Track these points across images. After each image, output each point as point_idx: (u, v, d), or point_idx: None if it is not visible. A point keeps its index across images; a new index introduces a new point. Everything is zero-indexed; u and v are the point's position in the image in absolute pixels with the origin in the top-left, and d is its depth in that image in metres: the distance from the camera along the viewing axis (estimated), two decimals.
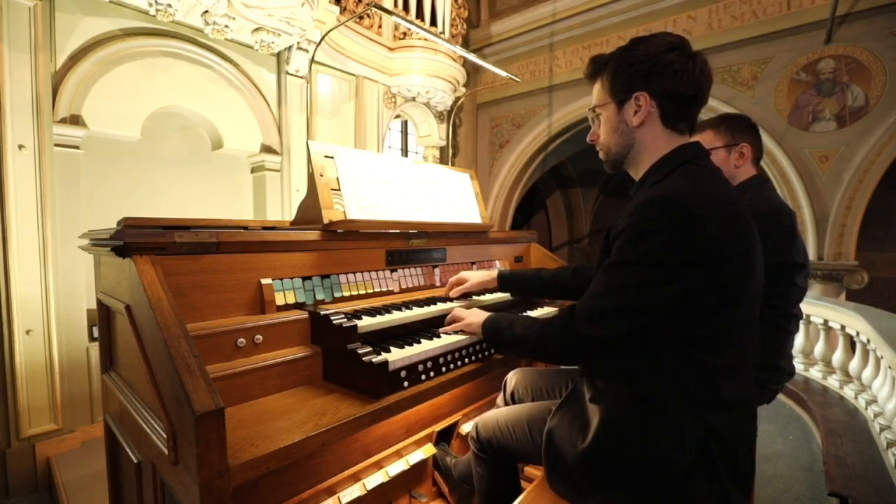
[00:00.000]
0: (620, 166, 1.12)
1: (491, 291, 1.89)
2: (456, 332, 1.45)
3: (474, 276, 1.77)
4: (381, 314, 1.43)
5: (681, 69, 0.97)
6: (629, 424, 0.94)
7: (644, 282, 0.89)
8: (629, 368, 0.95)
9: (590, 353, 1.01)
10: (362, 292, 1.59)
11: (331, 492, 1.32)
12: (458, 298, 1.76)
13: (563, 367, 1.57)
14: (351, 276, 1.57)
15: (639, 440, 0.92)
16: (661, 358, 0.91)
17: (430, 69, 5.33)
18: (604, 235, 1.04)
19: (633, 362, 0.95)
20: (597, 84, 1.12)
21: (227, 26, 3.35)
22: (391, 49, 5.20)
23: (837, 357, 3.54)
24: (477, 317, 1.38)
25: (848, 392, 3.34)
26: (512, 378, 1.60)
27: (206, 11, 3.22)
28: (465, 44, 6.83)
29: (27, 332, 2.72)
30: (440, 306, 1.61)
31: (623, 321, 0.91)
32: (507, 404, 1.58)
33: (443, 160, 6.52)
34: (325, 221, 1.49)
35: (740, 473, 0.91)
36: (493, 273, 1.77)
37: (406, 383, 1.25)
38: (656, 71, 0.99)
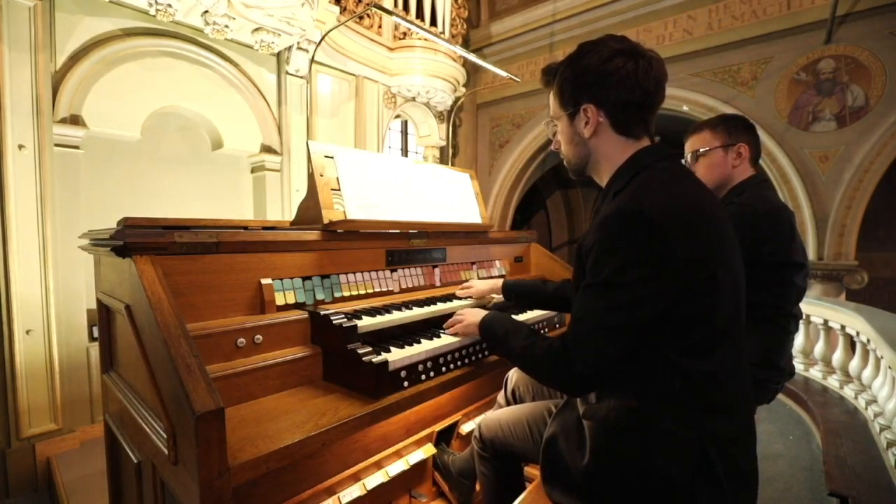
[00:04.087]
0: (583, 174, 1.12)
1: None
2: (455, 335, 1.44)
3: (479, 285, 1.79)
4: (381, 314, 1.43)
5: (624, 76, 0.95)
6: (625, 439, 0.92)
7: (624, 302, 0.86)
8: (618, 381, 0.93)
9: (593, 385, 0.97)
10: (362, 292, 1.59)
11: (331, 492, 1.32)
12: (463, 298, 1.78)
13: None
14: (351, 276, 1.57)
15: (637, 455, 0.90)
16: (647, 369, 0.89)
17: (430, 69, 5.33)
18: (576, 251, 1.00)
19: (620, 375, 0.92)
20: (551, 95, 1.10)
21: (227, 26, 3.35)
22: (391, 49, 5.20)
23: (837, 357, 3.54)
24: (474, 316, 1.35)
25: (848, 392, 3.34)
26: (513, 376, 1.61)
27: (206, 11, 3.22)
28: (465, 44, 6.83)
29: (27, 332, 2.72)
30: (440, 306, 1.62)
31: (615, 343, 0.88)
32: (507, 402, 1.58)
33: (443, 160, 6.52)
34: (325, 221, 1.49)
35: (741, 477, 0.90)
36: (498, 283, 1.77)
37: (406, 383, 1.25)
38: (599, 81, 0.97)
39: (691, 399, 0.88)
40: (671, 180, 0.95)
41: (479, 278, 2.09)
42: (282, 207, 4.23)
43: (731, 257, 0.93)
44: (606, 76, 0.96)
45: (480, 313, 1.34)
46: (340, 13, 4.57)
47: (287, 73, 4.15)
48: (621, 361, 0.89)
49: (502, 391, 1.62)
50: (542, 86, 1.13)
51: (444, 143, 6.44)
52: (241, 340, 1.19)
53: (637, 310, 0.85)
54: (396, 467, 1.49)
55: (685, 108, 5.23)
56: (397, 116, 6.01)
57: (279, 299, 1.33)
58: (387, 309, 1.49)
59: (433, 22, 5.53)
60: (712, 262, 0.87)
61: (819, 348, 3.81)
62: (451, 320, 1.46)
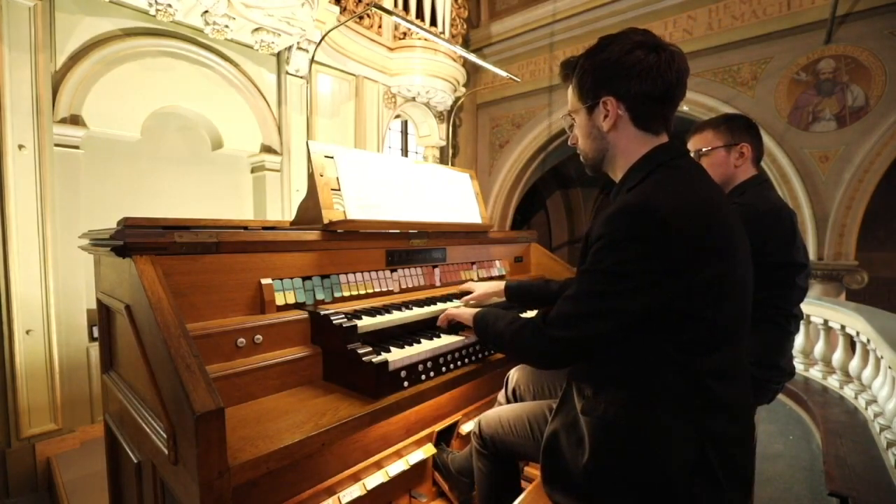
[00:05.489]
0: (599, 170, 1.12)
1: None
2: (449, 324, 1.48)
3: (481, 288, 1.76)
4: (381, 314, 1.43)
5: (646, 68, 0.94)
6: (623, 436, 0.92)
7: (616, 290, 0.87)
8: (617, 375, 0.93)
9: (562, 356, 0.98)
10: (362, 292, 1.58)
11: (331, 492, 1.31)
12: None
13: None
14: (351, 276, 1.57)
15: (634, 451, 0.90)
16: (648, 364, 0.89)
17: (430, 69, 5.33)
18: (583, 240, 1.01)
19: (620, 368, 0.93)
20: (569, 88, 1.10)
21: (227, 26, 3.35)
22: (391, 49, 5.20)
23: (837, 357, 3.54)
24: (469, 310, 1.37)
25: (848, 392, 3.34)
26: (514, 374, 1.61)
27: (206, 11, 3.22)
28: (465, 44, 6.83)
29: (27, 332, 2.72)
30: (440, 306, 1.61)
31: (593, 325, 0.89)
32: (508, 400, 1.58)
33: (443, 160, 6.52)
34: (325, 221, 1.49)
35: (739, 477, 0.90)
36: (500, 285, 1.74)
37: (406, 383, 1.25)
38: (620, 73, 0.96)
39: (691, 397, 0.88)
40: (686, 179, 0.95)
41: (479, 278, 2.09)
42: (282, 207, 4.23)
43: (739, 258, 0.93)
44: (628, 68, 0.95)
45: (475, 310, 1.37)
46: (340, 13, 4.57)
47: (287, 73, 4.15)
48: (598, 346, 0.92)
49: (503, 390, 1.62)
50: (561, 80, 1.12)
51: (444, 143, 6.44)
52: (241, 340, 1.19)
53: (628, 301, 0.86)
54: (396, 467, 1.49)
55: (685, 108, 5.23)
56: (397, 116, 6.01)
57: (279, 299, 1.33)
58: (387, 309, 1.49)
59: (433, 22, 5.53)
60: (720, 262, 0.87)
61: (819, 348, 3.81)
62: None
